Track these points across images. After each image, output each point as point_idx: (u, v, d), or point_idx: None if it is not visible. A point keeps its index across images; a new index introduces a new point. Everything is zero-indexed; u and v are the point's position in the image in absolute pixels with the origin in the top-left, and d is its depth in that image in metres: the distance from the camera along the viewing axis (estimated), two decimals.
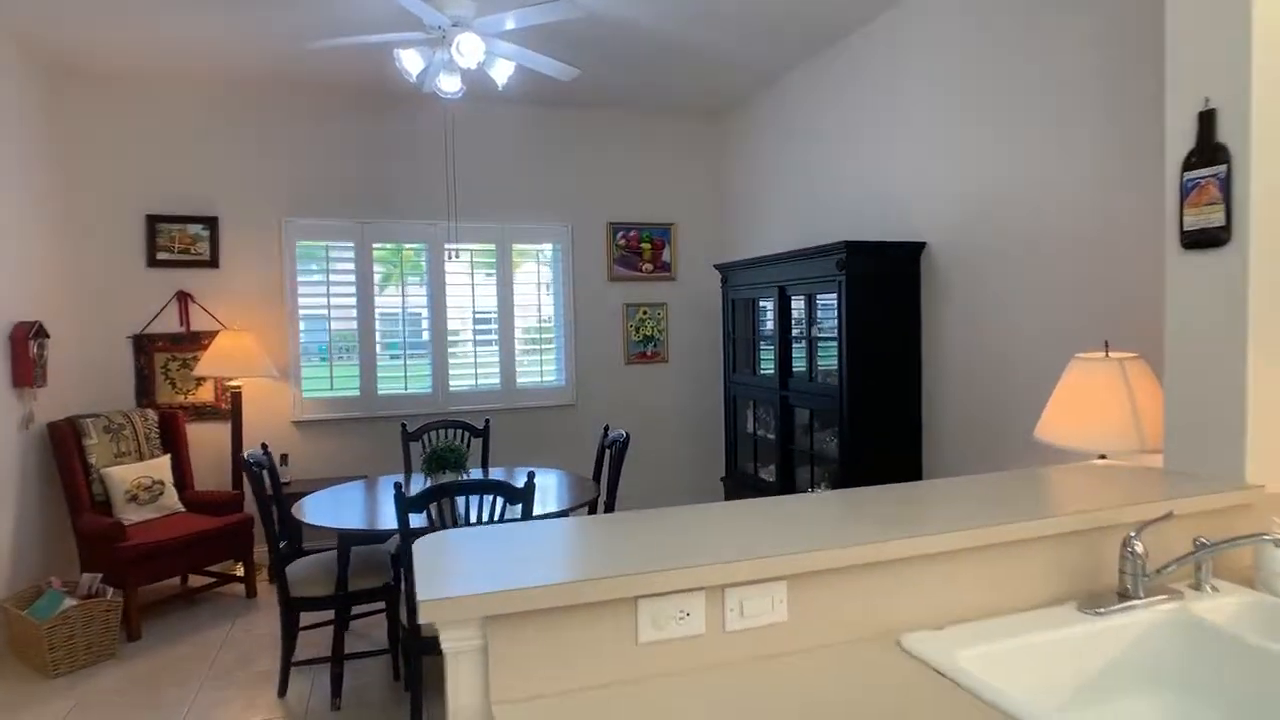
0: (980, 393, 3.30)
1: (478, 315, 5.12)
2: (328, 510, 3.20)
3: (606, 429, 3.74)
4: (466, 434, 4.19)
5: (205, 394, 4.62)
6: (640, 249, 5.47)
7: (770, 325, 4.27)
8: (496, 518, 2.67)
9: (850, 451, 3.54)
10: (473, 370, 5.10)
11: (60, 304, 4.20)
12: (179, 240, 4.55)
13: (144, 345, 4.51)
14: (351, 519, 3.07)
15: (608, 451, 3.67)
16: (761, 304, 4.41)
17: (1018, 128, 3.05)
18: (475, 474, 3.83)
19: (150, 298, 4.51)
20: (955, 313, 3.44)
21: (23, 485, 3.78)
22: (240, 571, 4.28)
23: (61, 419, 3.99)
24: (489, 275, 5.15)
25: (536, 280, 5.26)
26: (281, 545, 3.22)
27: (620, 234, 5.42)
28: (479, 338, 5.14)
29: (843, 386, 3.55)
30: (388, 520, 2.98)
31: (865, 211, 4.04)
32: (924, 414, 3.64)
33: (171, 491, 4.19)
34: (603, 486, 3.57)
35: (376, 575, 3.16)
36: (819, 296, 3.85)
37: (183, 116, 4.54)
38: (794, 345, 4.10)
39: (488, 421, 4.23)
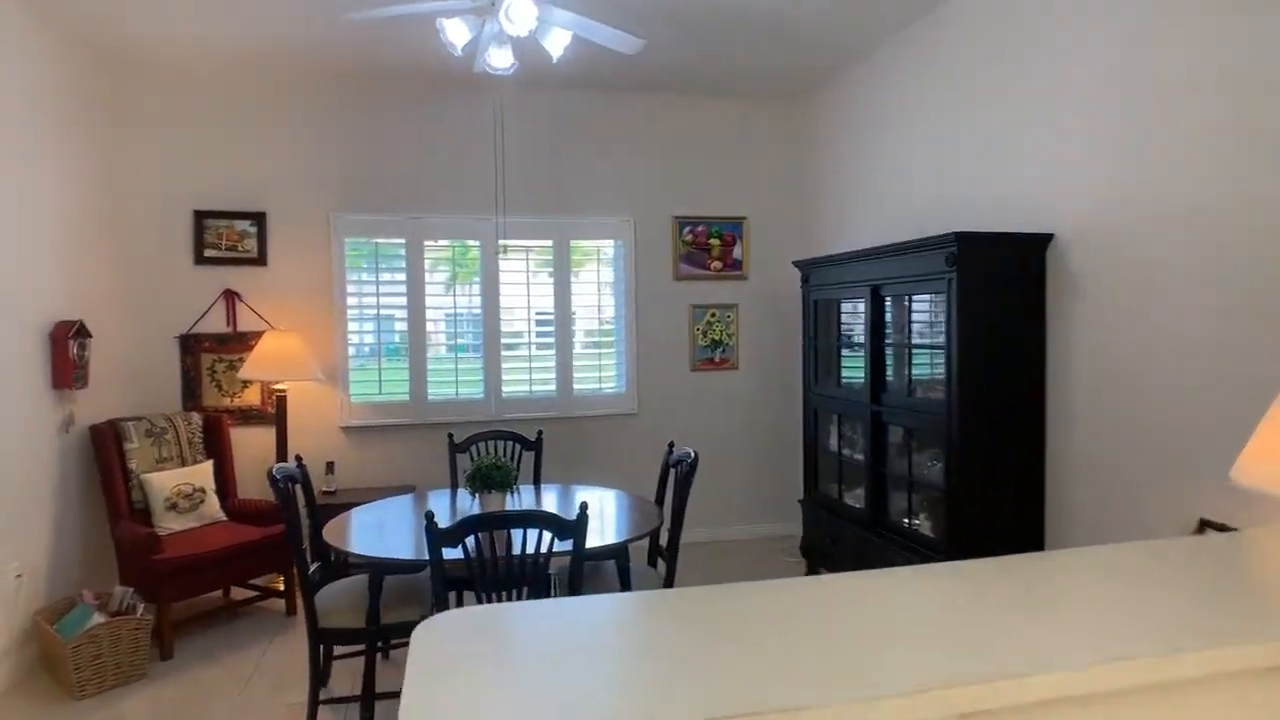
0: (1126, 416, 2.74)
1: (534, 317, 4.77)
2: (366, 531, 2.89)
3: (671, 446, 3.32)
4: (517, 446, 3.84)
5: (251, 397, 4.41)
6: (708, 245, 5.04)
7: (860, 330, 3.78)
8: (543, 551, 2.29)
9: (959, 480, 3.02)
10: (527, 375, 4.76)
11: (104, 302, 4.05)
12: (226, 237, 4.35)
13: (190, 346, 4.33)
14: (387, 542, 2.75)
15: (672, 471, 3.26)
16: (849, 306, 3.92)
17: (1181, 102, 2.49)
18: (526, 492, 3.47)
19: (197, 296, 4.33)
20: (1091, 316, 2.88)
21: (63, 490, 3.62)
22: (281, 585, 4.05)
23: (103, 422, 3.82)
24: (545, 274, 4.80)
25: (596, 279, 4.89)
26: (314, 569, 2.92)
27: (687, 229, 5.00)
28: (535, 340, 4.80)
29: (951, 403, 3.04)
30: (422, 548, 2.64)
31: (975, 201, 3.50)
32: (1049, 439, 3.09)
33: (213, 499, 3.99)
34: (666, 511, 3.16)
35: (415, 606, 2.83)
36: (920, 297, 3.34)
37: (231, 108, 4.34)
38: (889, 353, 3.60)
39: (540, 434, 3.87)
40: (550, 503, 3.32)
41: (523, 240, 4.73)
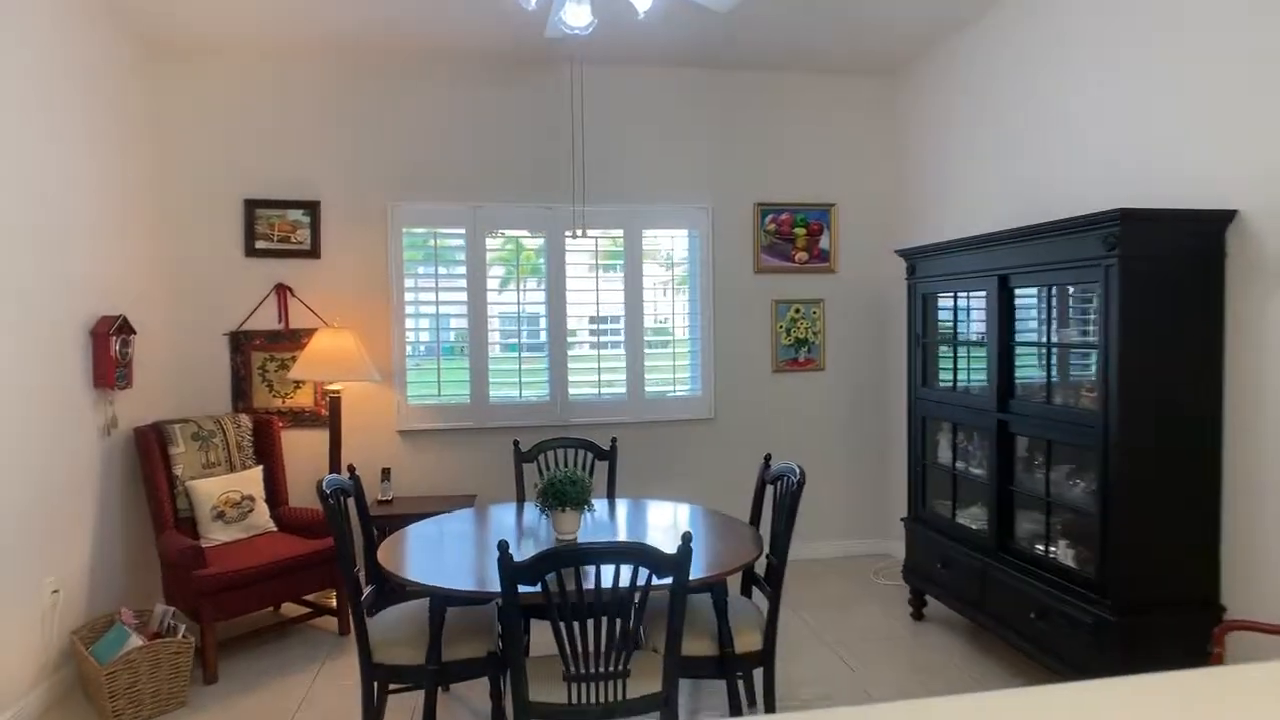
0: None
1: (603, 313, 4.39)
2: (426, 552, 2.54)
3: (768, 461, 2.89)
4: (589, 455, 3.45)
5: (304, 398, 4.13)
6: (793, 235, 4.58)
7: (982, 327, 3.29)
8: (637, 587, 1.88)
9: (1115, 504, 2.52)
10: (595, 377, 4.38)
11: (149, 297, 3.81)
12: (278, 227, 4.08)
13: (240, 343, 4.07)
14: (450, 567, 2.38)
15: (770, 489, 2.83)
16: (966, 299, 3.42)
17: None
18: (600, 507, 3.08)
19: (247, 290, 4.07)
20: None
21: (104, 498, 3.37)
22: (334, 602, 3.74)
23: (147, 424, 3.58)
24: (615, 267, 4.42)
25: (670, 272, 4.48)
26: (367, 593, 2.58)
27: (770, 217, 4.56)
28: (604, 339, 4.42)
29: (1108, 412, 2.54)
30: (490, 575, 2.27)
31: (1122, 174, 2.98)
32: (1227, 458, 2.56)
33: (263, 508, 3.71)
34: (765, 534, 2.72)
35: (480, 641, 2.46)
36: (1068, 287, 2.84)
37: (282, 91, 4.07)
38: (1018, 353, 3.10)
39: (614, 442, 3.48)
40: (627, 520, 2.92)
41: (590, 230, 4.35)
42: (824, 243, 4.62)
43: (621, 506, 3.13)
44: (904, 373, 4.47)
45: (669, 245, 4.46)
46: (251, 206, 4.06)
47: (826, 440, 4.66)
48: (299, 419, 4.13)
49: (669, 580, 1.88)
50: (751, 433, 4.57)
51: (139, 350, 3.57)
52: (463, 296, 4.24)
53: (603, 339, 4.41)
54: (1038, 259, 2.90)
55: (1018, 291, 3.08)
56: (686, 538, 1.81)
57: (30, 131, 2.89)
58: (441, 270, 4.26)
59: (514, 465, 3.38)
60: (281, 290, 4.10)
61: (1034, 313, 3.09)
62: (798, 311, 4.60)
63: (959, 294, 3.44)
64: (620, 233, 4.39)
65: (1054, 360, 2.94)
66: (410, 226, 4.20)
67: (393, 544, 2.62)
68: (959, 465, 3.47)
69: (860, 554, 4.69)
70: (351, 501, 2.75)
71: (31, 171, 2.89)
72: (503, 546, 1.75)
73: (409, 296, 4.21)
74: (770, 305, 4.57)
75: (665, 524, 2.88)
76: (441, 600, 2.29)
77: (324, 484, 2.44)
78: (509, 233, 4.31)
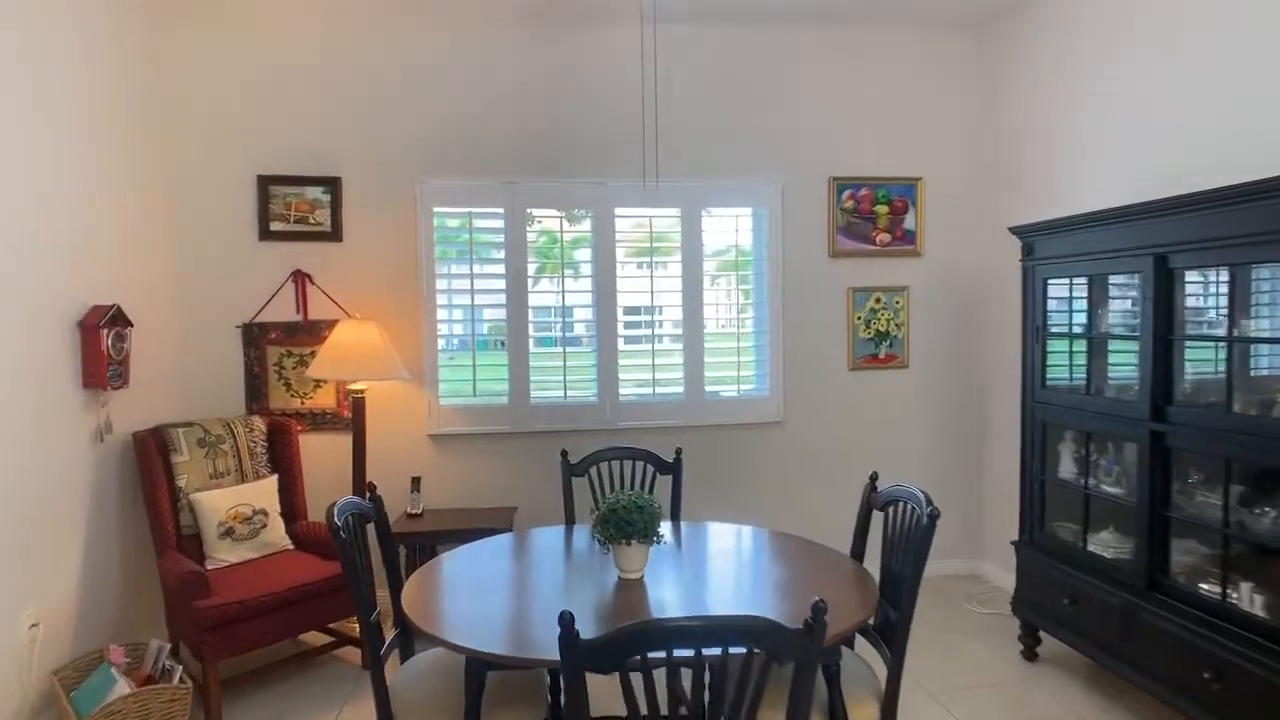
0: None
1: (657, 304, 3.87)
2: (461, 596, 2.07)
3: (875, 481, 2.36)
4: (649, 469, 2.95)
5: (325, 399, 3.69)
6: (873, 214, 4.02)
7: (1123, 317, 2.71)
8: (752, 676, 1.37)
9: None
10: (649, 374, 3.87)
11: (151, 285, 3.39)
12: (295, 207, 3.64)
13: (254, 337, 3.64)
14: (491, 615, 1.90)
15: (880, 516, 2.29)
16: (1104, 283, 2.85)
17: None
18: (665, 532, 2.57)
19: (262, 278, 3.64)
20: None
21: (97, 514, 2.96)
22: (358, 631, 3.30)
23: (146, 429, 3.16)
24: (671, 250, 3.89)
25: (735, 257, 3.94)
26: (389, 641, 2.11)
27: (847, 194, 4.00)
28: (659, 332, 3.91)
29: None
30: (541, 632, 1.78)
31: None
32: None
33: (277, 524, 3.27)
34: (872, 569, 2.19)
35: (526, 707, 1.97)
36: (1258, 269, 2.26)
37: (297, 53, 3.62)
38: (1182, 348, 2.52)
39: (679, 454, 2.96)
40: (699, 552, 2.41)
41: (642, 210, 3.84)
42: (908, 222, 4.05)
43: (686, 532, 2.62)
44: (1001, 371, 3.89)
45: (733, 226, 3.92)
46: (265, 184, 3.62)
47: (910, 447, 4.10)
48: (320, 422, 3.69)
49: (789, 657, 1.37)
50: (825, 439, 4.02)
51: (138, 346, 3.15)
52: (500, 284, 3.76)
53: (657, 332, 3.90)
54: (1210, 233, 2.32)
55: (1179, 273, 2.50)
56: (819, 610, 1.30)
57: (12, 98, 2.46)
58: (477, 254, 3.78)
59: (561, 480, 2.89)
60: (299, 277, 3.66)
61: (1204, 300, 2.51)
62: (878, 301, 4.04)
63: (1097, 277, 2.86)
64: (676, 212, 3.86)
65: (1233, 359, 2.35)
66: (441, 205, 3.72)
67: (420, 583, 2.15)
68: (1091, 482, 2.90)
69: (950, 575, 4.12)
70: (372, 527, 2.28)
71: (11, 142, 2.46)
72: (566, 621, 1.26)
73: (441, 284, 3.74)
74: (847, 294, 4.01)
75: (748, 558, 2.37)
76: (481, 665, 1.80)
77: (335, 512, 1.97)
78: (552, 211, 3.81)
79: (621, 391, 3.85)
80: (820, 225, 3.98)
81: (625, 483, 2.92)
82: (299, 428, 3.64)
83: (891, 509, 2.24)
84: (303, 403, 3.69)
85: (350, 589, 1.98)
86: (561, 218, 3.81)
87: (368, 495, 2.31)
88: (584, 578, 2.18)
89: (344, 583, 3.10)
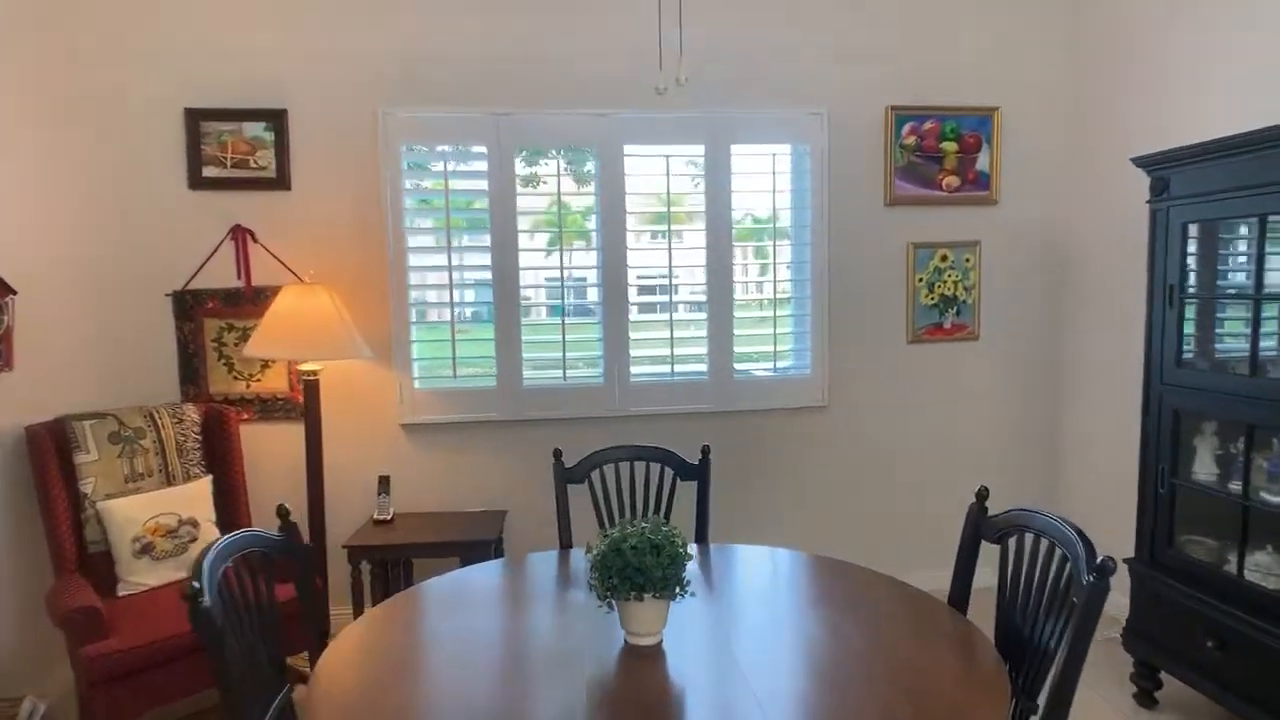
0: None
1: (676, 264, 3.19)
2: (419, 671, 1.44)
3: (984, 500, 1.69)
4: (669, 474, 2.29)
5: (276, 381, 3.06)
6: (940, 152, 3.29)
7: None
8: None
9: None
10: (666, 350, 3.19)
11: (51, 244, 2.75)
12: (233, 148, 2.97)
13: (188, 307, 3.00)
14: (469, 706, 1.27)
15: (990, 546, 1.63)
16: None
17: None
18: (692, 571, 1.92)
19: (196, 235, 2.99)
20: None
21: None
22: (309, 668, 2.69)
23: (42, 422, 2.54)
24: (693, 197, 3.20)
25: (771, 204, 3.23)
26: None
27: (908, 128, 3.27)
28: (677, 299, 3.23)
29: None
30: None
31: None
32: None
33: (210, 536, 2.66)
34: (984, 626, 1.54)
35: None
36: None
37: None
38: None
39: (707, 454, 2.29)
40: (738, 600, 1.76)
41: (658, 147, 3.14)
42: (982, 162, 3.32)
43: (716, 561, 1.97)
44: (1098, 344, 3.18)
45: (768, 165, 3.21)
46: (195, 119, 2.95)
47: (981, 434, 3.41)
48: (270, 409, 3.07)
49: None
50: (878, 426, 3.35)
51: (27, 318, 2.52)
52: (484, 240, 3.09)
53: (675, 299, 3.22)
54: None
55: None
56: None
57: None
58: (456, 204, 3.11)
59: (555, 488, 2.24)
60: (240, 234, 3.00)
61: None
62: (944, 259, 3.33)
63: (1268, 221, 2.14)
64: (700, 150, 3.16)
65: None
66: (411, 142, 3.04)
67: (362, 644, 1.52)
68: (1251, 488, 2.21)
69: None
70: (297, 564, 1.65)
71: None
72: None
73: (412, 241, 3.07)
74: (906, 251, 3.30)
75: (807, 608, 1.71)
76: None
77: (204, 565, 1.34)
78: (545, 150, 3.12)
79: (633, 371, 3.19)
80: (875, 166, 3.26)
81: (636, 492, 2.28)
82: (244, 416, 3.02)
83: (1013, 541, 1.58)
84: (248, 386, 3.06)
85: (221, 694, 1.35)
86: (558, 159, 3.12)
87: (280, 522, 1.68)
88: (584, 639, 1.54)
89: (290, 609, 2.51)
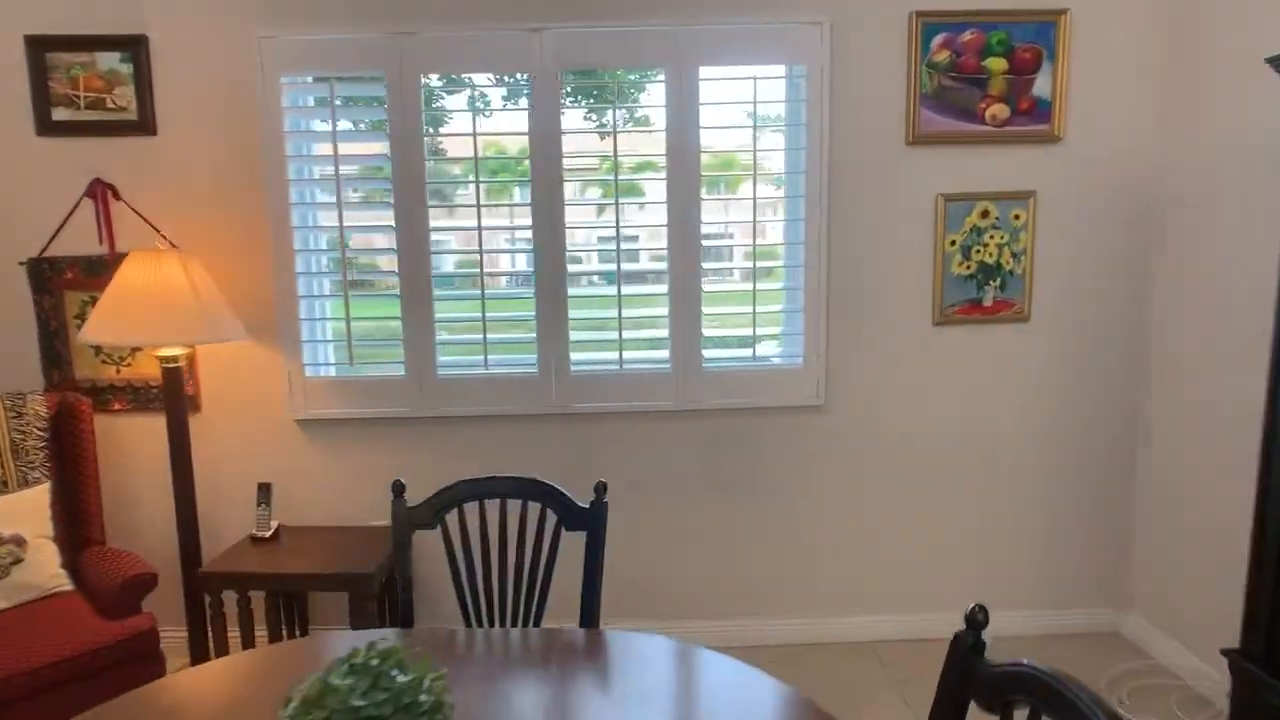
0: None
1: (626, 224, 2.52)
2: None
3: (978, 627, 1.01)
4: (549, 517, 1.67)
5: (151, 365, 2.58)
6: (983, 72, 2.48)
7: None
8: None
9: None
10: (615, 334, 2.55)
11: None
12: (85, 83, 2.45)
13: (45, 278, 2.53)
14: None
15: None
16: None
17: None
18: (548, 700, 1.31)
19: (49, 192, 2.50)
20: None
21: None
22: None
23: None
24: (650, 138, 2.51)
25: (751, 145, 2.50)
26: None
27: (940, 39, 2.46)
28: (630, 267, 2.56)
29: None
30: None
31: None
32: None
33: (46, 556, 2.22)
34: None
35: None
36: None
37: None
38: None
39: (602, 491, 1.64)
40: None
41: (601, 72, 2.45)
42: (1040, 86, 2.49)
43: (614, 659, 1.35)
44: (1197, 333, 2.35)
45: (747, 93, 2.47)
46: (39, 50, 2.43)
47: (1028, 443, 2.65)
48: (144, 399, 2.59)
49: None
50: (891, 432, 2.63)
51: None
52: (386, 192, 2.49)
53: (628, 268, 2.55)
54: None
55: None
56: None
57: None
58: (347, 146, 2.52)
59: (392, 533, 1.65)
60: (100, 189, 2.49)
61: None
62: (986, 215, 2.54)
63: None
64: (660, 76, 2.45)
65: None
66: (294, 73, 2.45)
67: None
68: None
69: (1075, 634, 2.72)
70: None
71: None
72: None
73: (296, 194, 2.50)
74: (935, 204, 2.53)
75: None
76: None
77: None
78: (461, 77, 2.48)
79: (574, 359, 2.56)
80: (894, 93, 2.48)
81: (504, 540, 1.67)
82: (116, 407, 2.56)
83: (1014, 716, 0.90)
84: (118, 372, 2.58)
85: None
86: (469, 89, 2.47)
87: None
88: None
89: (138, 650, 2.07)
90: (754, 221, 2.50)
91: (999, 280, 2.57)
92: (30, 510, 2.24)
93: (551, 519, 1.65)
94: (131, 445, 2.59)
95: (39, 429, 2.35)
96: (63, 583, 2.24)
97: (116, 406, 2.58)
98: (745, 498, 2.64)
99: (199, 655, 2.39)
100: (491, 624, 1.66)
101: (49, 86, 2.44)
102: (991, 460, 2.65)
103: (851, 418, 2.61)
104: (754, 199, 2.48)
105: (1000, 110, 2.49)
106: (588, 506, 1.62)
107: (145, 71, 2.44)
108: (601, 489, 1.62)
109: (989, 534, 2.67)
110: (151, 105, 2.46)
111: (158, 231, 2.50)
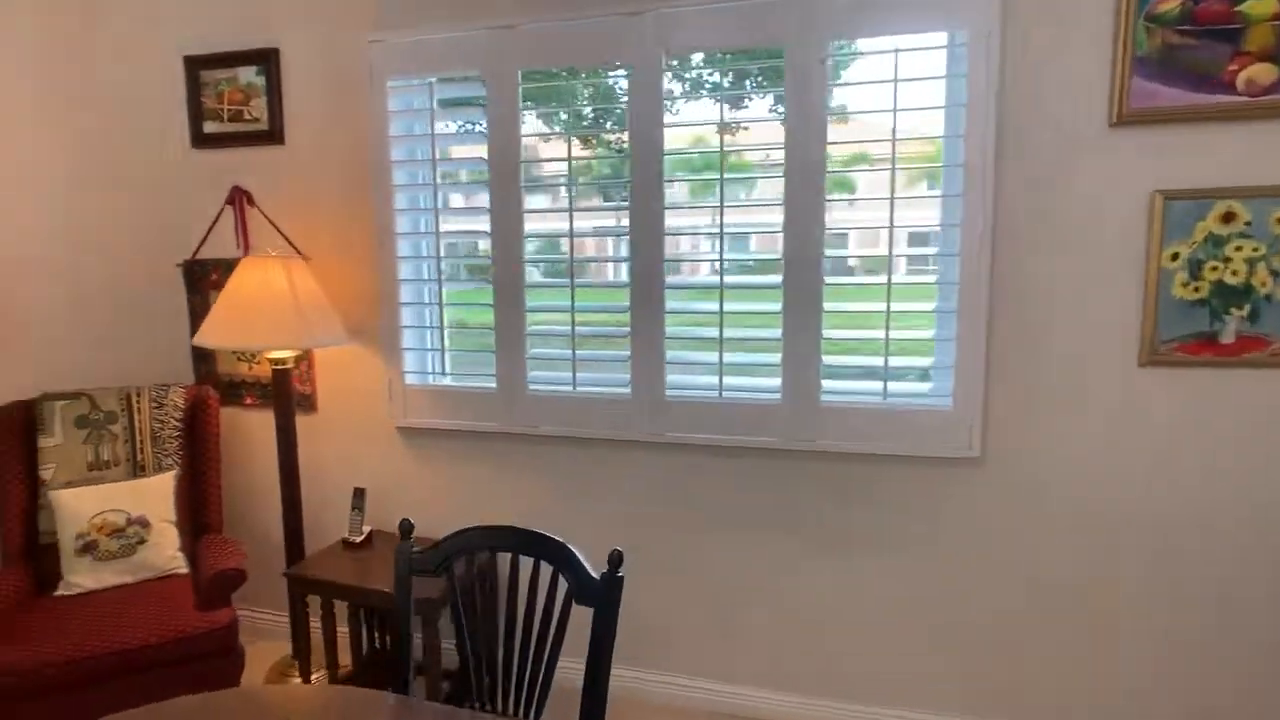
0: None
1: (730, 222, 2.17)
2: None
3: None
4: (564, 588, 1.40)
5: None
6: (1234, 21, 1.80)
7: None
8: None
9: None
10: (715, 355, 2.20)
11: (50, 217, 2.60)
12: (229, 98, 2.59)
13: (195, 279, 2.73)
14: None
15: None
16: None
17: None
18: None
19: (200, 199, 2.69)
20: None
21: None
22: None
23: (14, 401, 2.41)
24: (773, 127, 2.13)
25: (890, 132, 2.02)
26: None
27: None
28: (739, 279, 2.20)
29: None
30: None
31: None
32: None
33: (167, 538, 2.37)
34: None
35: None
36: None
37: None
38: None
39: (617, 562, 1.34)
40: None
41: (714, 47, 2.12)
42: None
43: None
44: None
45: (889, 70, 2.00)
46: (195, 68, 2.61)
47: (1276, 536, 1.91)
48: (270, 396, 2.71)
49: None
50: (1074, 498, 2.02)
51: (20, 289, 2.39)
52: (483, 200, 2.36)
53: (730, 281, 2.20)
54: None
55: None
56: None
57: None
58: (450, 151, 2.42)
59: (395, 573, 1.48)
60: (239, 197, 2.63)
61: None
62: (1229, 219, 1.85)
63: None
64: (780, 54, 2.06)
65: None
66: (398, 78, 2.39)
67: None
68: None
69: None
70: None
71: None
72: None
73: (400, 201, 2.45)
74: (1149, 204, 1.89)
75: None
76: None
77: None
78: (561, 70, 2.27)
79: (670, 381, 2.26)
80: (1092, 58, 1.88)
81: (514, 599, 1.43)
82: (248, 401, 2.71)
83: None
84: (250, 369, 2.72)
85: None
86: (568, 78, 2.25)
87: None
88: None
89: (221, 643, 2.14)
90: (891, 227, 2.03)
91: (1247, 308, 1.86)
92: (154, 496, 2.40)
93: (561, 588, 1.38)
94: (256, 439, 2.72)
95: (176, 419, 2.52)
96: (179, 566, 2.38)
97: (248, 401, 2.72)
98: (857, 563, 2.17)
99: (297, 644, 2.42)
100: (491, 699, 1.42)
101: (201, 102, 2.61)
102: (1213, 558, 1.94)
103: (1013, 479, 2.05)
104: (891, 198, 2.01)
105: (1262, 73, 1.80)
106: (600, 580, 1.33)
107: (276, 83, 2.52)
108: (617, 560, 1.32)
109: (1207, 660, 1.97)
110: (281, 115, 2.54)
111: (284, 236, 2.59)
